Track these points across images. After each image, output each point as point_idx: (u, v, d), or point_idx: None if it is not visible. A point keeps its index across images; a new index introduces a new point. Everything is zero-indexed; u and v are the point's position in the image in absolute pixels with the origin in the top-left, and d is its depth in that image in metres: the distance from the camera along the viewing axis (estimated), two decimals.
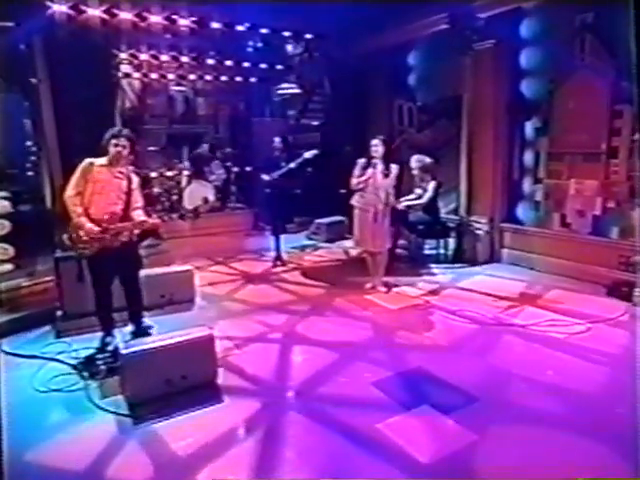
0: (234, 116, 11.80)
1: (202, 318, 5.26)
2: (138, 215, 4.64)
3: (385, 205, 5.93)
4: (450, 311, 5.51)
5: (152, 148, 9.98)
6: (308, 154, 7.99)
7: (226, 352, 4.59)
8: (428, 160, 7.39)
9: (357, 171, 5.98)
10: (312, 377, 4.18)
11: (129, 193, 4.64)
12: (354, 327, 5.18)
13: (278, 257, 7.70)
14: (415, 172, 7.46)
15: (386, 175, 5.87)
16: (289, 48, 11.23)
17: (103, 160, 4.52)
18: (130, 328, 4.91)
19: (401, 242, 7.79)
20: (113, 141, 4.48)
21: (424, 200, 7.26)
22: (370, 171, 5.89)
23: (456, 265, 7.41)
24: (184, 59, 9.45)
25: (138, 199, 4.73)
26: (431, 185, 7.27)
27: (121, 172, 4.59)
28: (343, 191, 6.67)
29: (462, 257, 7.55)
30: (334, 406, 3.73)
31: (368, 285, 6.34)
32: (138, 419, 3.64)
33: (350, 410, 3.68)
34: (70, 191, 4.45)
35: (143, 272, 5.53)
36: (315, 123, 11.35)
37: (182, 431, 3.50)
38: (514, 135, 7.42)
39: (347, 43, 8.99)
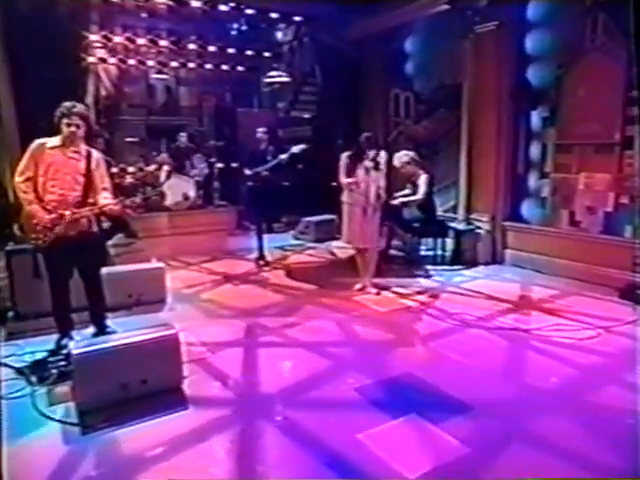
0: (220, 107, 11.67)
1: (173, 319, 4.93)
2: (105, 198, 4.43)
3: (377, 199, 5.83)
4: (446, 314, 5.37)
5: (130, 139, 9.78)
6: (296, 148, 7.95)
7: (196, 355, 4.42)
8: (409, 154, 7.19)
9: (344, 167, 5.88)
10: (289, 383, 4.01)
11: (88, 175, 4.41)
12: (338, 330, 5.04)
13: (261, 257, 7.55)
14: (402, 170, 7.24)
15: (376, 167, 5.77)
16: (279, 35, 11.20)
17: (56, 140, 4.29)
18: (92, 330, 4.70)
19: (395, 243, 7.67)
20: (65, 120, 4.24)
21: (419, 196, 7.09)
22: (361, 173, 5.80)
23: (455, 267, 7.27)
24: (163, 43, 9.33)
25: (104, 180, 4.51)
26: (422, 179, 7.08)
27: (76, 152, 4.35)
28: (335, 184, 6.52)
29: (461, 258, 7.40)
30: (311, 414, 3.54)
31: (357, 286, 6.21)
32: (87, 428, 3.41)
33: (328, 419, 3.49)
34: (19, 176, 4.23)
35: (108, 269, 5.43)
36: (306, 116, 11.24)
37: (135, 441, 3.28)
38: (519, 125, 7.31)
39: (339, 28, 8.93)
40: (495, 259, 7.44)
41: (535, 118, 7.18)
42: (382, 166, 5.80)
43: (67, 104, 4.32)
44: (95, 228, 4.57)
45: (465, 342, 4.71)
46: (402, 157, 7.19)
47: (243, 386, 3.99)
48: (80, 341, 4.05)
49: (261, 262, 7.48)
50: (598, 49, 6.27)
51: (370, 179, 5.79)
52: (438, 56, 8.16)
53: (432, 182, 7.25)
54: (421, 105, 8.87)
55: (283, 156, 7.95)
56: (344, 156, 5.94)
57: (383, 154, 5.89)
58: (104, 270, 5.00)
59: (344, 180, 5.87)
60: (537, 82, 7.08)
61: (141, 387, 3.76)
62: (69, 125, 4.25)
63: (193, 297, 6.11)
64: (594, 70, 6.36)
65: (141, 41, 8.96)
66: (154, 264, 5.97)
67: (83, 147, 4.43)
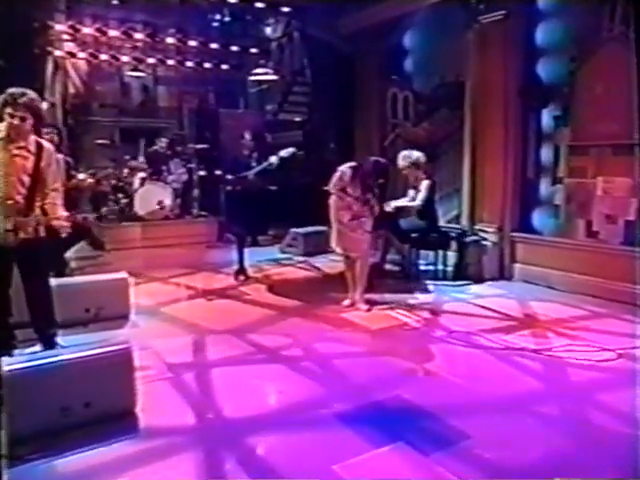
0: (202, 109, 11.58)
1: (135, 337, 4.79)
2: (53, 199, 4.21)
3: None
4: (445, 332, 5.20)
5: (101, 141, 9.63)
6: (285, 152, 7.86)
7: (156, 376, 4.23)
8: (416, 154, 7.09)
9: (339, 183, 5.82)
10: (260, 408, 3.79)
11: (37, 175, 4.18)
12: (320, 349, 4.87)
13: (241, 270, 7.35)
14: (405, 171, 7.16)
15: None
16: (267, 31, 11.14)
17: None
18: (38, 348, 4.44)
19: (391, 257, 7.54)
20: (8, 110, 4.01)
21: (418, 202, 6.96)
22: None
23: (457, 282, 7.09)
24: (138, 36, 9.18)
25: (56, 179, 4.30)
26: (424, 184, 6.97)
27: (21, 147, 4.12)
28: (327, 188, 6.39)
29: (465, 273, 7.22)
30: (281, 443, 3.31)
31: (346, 302, 6.05)
32: (16, 460, 3.12)
33: (301, 448, 3.24)
34: None
35: (61, 280, 5.29)
36: (297, 119, 11.13)
37: (71, 474, 3.00)
38: (528, 126, 7.21)
39: (330, 20, 8.79)
40: (503, 274, 7.27)
41: (546, 117, 7.07)
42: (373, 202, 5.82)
43: (14, 91, 4.08)
44: (43, 233, 4.33)
45: (465, 363, 4.53)
46: (406, 157, 7.09)
47: (207, 411, 3.76)
48: (14, 357, 3.78)
49: (241, 276, 7.29)
50: (616, 40, 6.13)
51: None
52: (440, 51, 8.08)
53: (434, 188, 7.13)
54: (421, 105, 8.79)
55: (273, 158, 7.86)
56: (345, 168, 5.82)
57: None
58: (55, 281, 4.82)
59: (339, 203, 5.82)
60: (548, 77, 6.98)
61: (85, 411, 3.49)
62: (12, 116, 4.02)
63: (160, 313, 5.94)
64: (612, 63, 6.21)
65: (113, 33, 8.80)
66: (116, 275, 5.74)
67: (32, 139, 4.21)
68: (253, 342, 5.01)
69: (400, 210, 6.94)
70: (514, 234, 7.26)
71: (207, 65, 10.83)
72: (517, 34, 6.98)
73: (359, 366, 4.50)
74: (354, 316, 5.73)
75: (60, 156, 6.54)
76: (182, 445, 3.33)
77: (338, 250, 6.05)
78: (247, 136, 8.80)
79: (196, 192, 10.20)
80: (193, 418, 3.67)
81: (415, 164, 7.05)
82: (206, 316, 5.82)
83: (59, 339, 4.58)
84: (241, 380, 4.22)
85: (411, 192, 7.15)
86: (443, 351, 4.80)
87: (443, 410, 3.63)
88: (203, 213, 10.26)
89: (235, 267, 7.43)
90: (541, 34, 6.97)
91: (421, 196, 6.94)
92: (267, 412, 3.75)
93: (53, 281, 4.82)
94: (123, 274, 5.76)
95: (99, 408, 3.51)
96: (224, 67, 10.99)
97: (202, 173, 10.61)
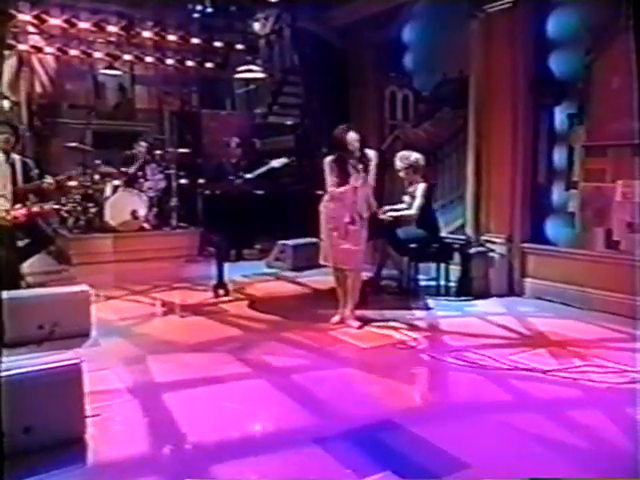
0: (184, 111, 11.57)
1: (94, 356, 4.85)
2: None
3: (365, 210, 5.75)
4: (444, 352, 5.06)
5: (72, 144, 9.52)
6: (276, 162, 7.92)
7: (113, 398, 4.10)
8: (415, 155, 7.03)
9: (331, 176, 5.75)
10: (228, 434, 3.60)
11: None
12: (302, 369, 4.76)
13: (220, 285, 7.22)
14: (402, 174, 7.09)
15: (365, 169, 5.65)
16: (256, 26, 11.12)
17: None
18: None
19: (388, 271, 7.46)
20: None
21: (413, 211, 6.88)
22: (353, 179, 5.66)
23: (461, 299, 6.99)
24: (112, 29, 9.11)
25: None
26: (420, 188, 6.89)
27: None
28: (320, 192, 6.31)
29: (469, 288, 7.09)
30: (251, 472, 3.14)
31: (335, 319, 5.95)
32: None
33: (274, 476, 3.10)
34: None
35: (11, 293, 5.13)
36: (288, 122, 11.10)
37: None
38: (539, 125, 7.14)
39: (322, 12, 8.88)
40: (512, 290, 7.15)
41: (559, 115, 7.01)
42: (372, 167, 5.68)
43: None
44: None
45: (466, 384, 4.41)
46: (404, 158, 7.05)
47: (168, 437, 3.60)
48: None
49: (220, 291, 7.19)
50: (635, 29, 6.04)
51: (358, 194, 5.66)
52: (442, 45, 8.01)
53: (430, 192, 7.07)
54: (422, 104, 8.77)
55: (257, 172, 7.97)
56: (328, 161, 5.76)
57: (372, 153, 5.75)
58: (4, 294, 4.60)
59: (335, 191, 5.71)
60: (561, 72, 6.92)
61: (24, 437, 3.29)
62: None
63: (126, 330, 5.83)
64: (631, 55, 6.10)
65: (84, 25, 8.72)
66: (75, 287, 5.62)
67: None
68: (226, 362, 4.90)
69: (396, 219, 6.84)
70: (524, 245, 7.16)
71: (189, 63, 10.83)
72: (526, 24, 6.93)
73: (345, 387, 4.39)
74: (343, 333, 5.63)
75: (16, 157, 6.43)
76: (137, 477, 3.16)
77: (329, 263, 5.96)
78: (234, 141, 8.70)
79: (175, 201, 10.09)
80: (152, 446, 3.50)
81: (413, 166, 6.98)
82: (177, 334, 5.72)
83: (4, 358, 4.41)
84: (210, 403, 4.08)
85: (406, 198, 7.07)
86: (440, 371, 4.69)
87: (438, 436, 3.47)
88: (182, 224, 10.14)
89: (214, 281, 7.31)
90: (553, 24, 6.93)
91: (417, 203, 6.86)
92: (237, 438, 3.58)
93: (3, 294, 4.68)
94: (83, 286, 5.64)
95: (41, 434, 3.32)
96: (208, 65, 10.99)
97: (183, 181, 10.52)
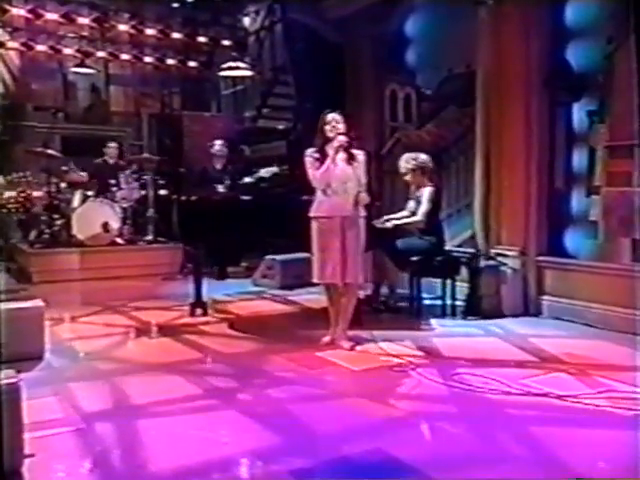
0: (164, 115, 11.58)
1: (44, 380, 4.83)
2: None
3: (355, 205, 5.62)
4: (445, 375, 4.97)
5: (35, 149, 9.48)
6: (265, 172, 8.04)
7: (62, 426, 4.00)
8: (423, 157, 7.06)
9: (311, 164, 5.73)
10: (193, 464, 3.50)
11: None
12: (284, 393, 4.70)
13: (198, 303, 7.16)
14: (408, 177, 7.12)
15: (350, 159, 5.64)
16: (245, 21, 11.15)
17: None
18: None
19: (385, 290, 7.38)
20: None
21: (419, 217, 6.87)
22: (328, 161, 5.62)
23: (470, 319, 6.90)
24: (83, 21, 9.10)
25: None
26: (426, 192, 6.90)
27: None
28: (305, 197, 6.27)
29: (479, 308, 6.98)
30: None
31: (325, 339, 5.89)
32: None
33: None
34: None
35: None
36: (280, 127, 11.13)
37: None
38: (555, 124, 7.11)
39: (316, 3, 8.92)
40: (527, 309, 7.06)
41: (578, 113, 6.97)
42: (360, 157, 5.67)
43: None
44: None
45: (468, 409, 4.33)
46: (411, 160, 7.08)
47: (122, 470, 3.52)
48: None
49: (198, 310, 7.13)
50: None
51: (346, 174, 5.62)
52: (448, 38, 8.01)
53: (439, 197, 7.08)
54: (425, 103, 8.80)
55: (264, 173, 8.07)
56: (309, 152, 5.73)
57: (360, 152, 5.75)
58: None
59: (316, 173, 5.65)
60: (580, 64, 6.88)
61: None
62: None
63: (86, 352, 5.81)
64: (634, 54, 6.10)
65: (51, 16, 8.69)
66: (26, 303, 5.54)
67: None
68: (197, 385, 4.83)
69: (397, 227, 6.84)
70: (540, 259, 7.08)
71: (170, 61, 10.88)
72: (540, 11, 6.91)
73: (331, 413, 4.32)
74: (333, 355, 5.57)
75: None
76: None
77: (324, 280, 5.86)
78: (217, 144, 8.70)
79: (152, 212, 10.05)
80: (97, 477, 3.38)
81: (421, 168, 7.01)
82: (142, 356, 5.70)
83: None
84: (175, 431, 3.99)
85: (411, 204, 7.07)
86: (440, 396, 4.61)
87: (434, 467, 3.39)
88: (161, 238, 10.09)
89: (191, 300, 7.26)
90: (570, 10, 6.91)
91: (422, 208, 6.85)
92: (202, 468, 3.48)
93: None
94: (37, 302, 5.57)
95: None
96: (191, 64, 11.06)
97: (162, 192, 10.45)
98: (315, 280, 5.87)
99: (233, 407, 4.39)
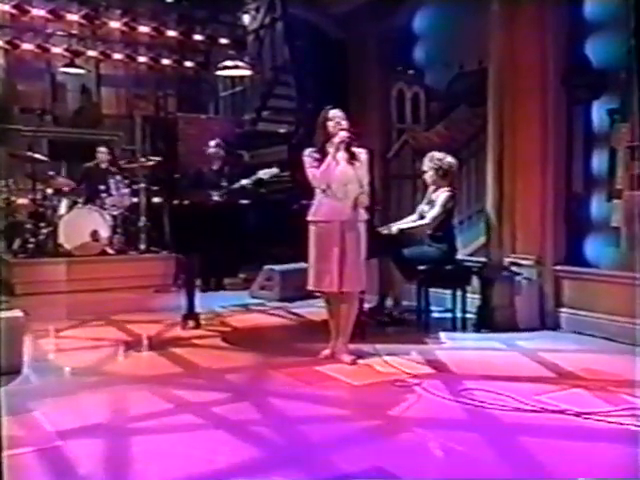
0: (159, 118, 11.65)
1: (22, 396, 4.77)
2: None
3: (354, 208, 5.58)
4: (454, 391, 4.92)
5: (19, 153, 9.52)
6: (263, 173, 8.01)
7: (37, 445, 3.92)
8: (449, 159, 7.09)
9: (311, 164, 5.69)
10: None
11: None
12: (278, 409, 4.68)
13: (190, 315, 7.14)
14: (428, 176, 7.13)
15: (351, 159, 5.60)
16: (245, 18, 11.17)
17: None
18: None
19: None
20: None
21: (427, 221, 6.85)
22: (329, 159, 5.56)
23: (482, 332, 6.89)
24: (72, 18, 9.10)
25: None
26: (442, 197, 6.90)
27: None
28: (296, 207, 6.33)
29: (491, 321, 6.93)
30: None
31: (325, 352, 5.85)
32: None
33: None
34: None
35: None
36: (281, 130, 11.18)
37: None
38: (574, 123, 7.08)
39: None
40: (544, 322, 6.99)
41: (598, 111, 6.93)
42: (362, 156, 5.63)
43: None
44: None
45: (477, 426, 4.27)
46: (435, 160, 7.09)
47: None
48: None
49: (190, 322, 7.11)
50: None
51: (347, 176, 5.57)
52: (459, 33, 8.03)
53: (453, 205, 7.09)
54: (435, 103, 8.80)
55: (263, 175, 8.03)
56: (308, 152, 5.69)
57: (362, 151, 5.71)
58: None
59: (316, 172, 5.59)
60: (600, 59, 6.84)
61: None
62: None
63: (69, 367, 5.81)
64: None
65: (38, 12, 8.69)
66: (4, 314, 5.46)
67: None
68: (186, 402, 4.80)
69: (402, 231, 6.84)
70: (558, 268, 7.02)
71: (165, 61, 10.85)
72: (558, 3, 6.90)
73: (329, 430, 4.28)
74: (333, 369, 5.54)
75: None
76: None
77: (320, 288, 5.85)
78: (216, 146, 8.74)
79: (144, 220, 10.06)
80: None
81: (444, 170, 7.03)
82: (128, 370, 5.69)
83: None
84: (159, 449, 3.94)
85: (423, 207, 7.09)
86: (447, 412, 4.55)
87: None
88: (153, 248, 10.10)
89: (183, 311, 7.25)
90: (590, 2, 6.88)
91: (433, 212, 6.85)
92: None
93: None
94: (16, 313, 5.55)
95: None
96: (187, 64, 11.03)
97: (156, 200, 10.43)
98: (310, 288, 5.87)
99: (223, 423, 4.35)
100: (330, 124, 5.56)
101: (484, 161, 7.53)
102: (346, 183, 5.52)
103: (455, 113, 8.38)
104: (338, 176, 5.53)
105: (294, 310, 8.20)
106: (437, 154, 7.18)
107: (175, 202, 7.27)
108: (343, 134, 5.48)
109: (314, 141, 5.71)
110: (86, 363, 5.91)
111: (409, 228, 6.91)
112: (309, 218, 5.70)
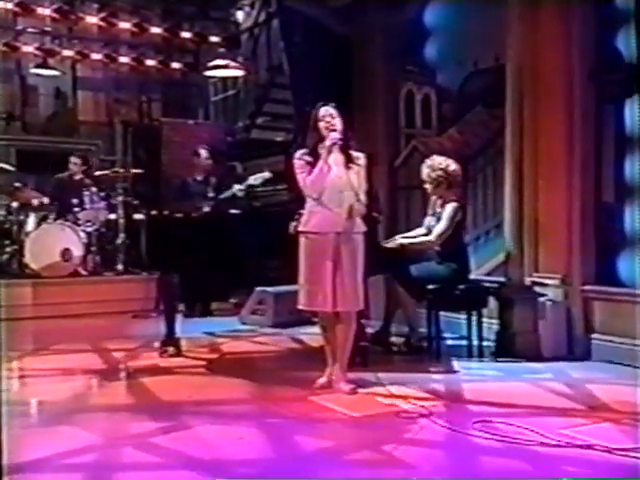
0: (143, 125, 11.67)
1: None
2: None
3: (349, 217, 5.54)
4: (466, 424, 4.84)
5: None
6: (254, 179, 8.09)
7: None
8: (454, 166, 7.03)
9: (302, 168, 5.66)
10: None
11: None
12: (269, 445, 4.61)
13: (169, 342, 7.10)
14: (430, 187, 7.09)
15: (348, 162, 5.59)
16: (239, 15, 11.22)
17: None
18: None
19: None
20: None
21: (433, 237, 6.83)
22: (321, 163, 5.53)
23: (500, 360, 6.83)
24: (44, 12, 9.11)
25: None
26: (448, 209, 6.85)
27: None
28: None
29: (512, 348, 6.86)
30: None
31: (321, 381, 5.80)
32: None
33: None
34: None
35: None
36: (278, 139, 11.23)
37: None
38: (603, 125, 7.05)
39: None
40: (572, 350, 6.91)
41: (631, 111, 6.84)
42: (360, 161, 5.60)
43: None
44: None
45: (494, 465, 4.16)
46: (437, 167, 7.01)
47: None
48: None
49: (169, 349, 7.05)
50: None
51: (342, 182, 5.54)
52: (473, 27, 8.05)
53: (463, 214, 7.05)
54: (447, 104, 8.83)
55: (253, 180, 8.10)
56: (298, 155, 5.65)
57: (360, 155, 5.70)
58: None
59: (307, 180, 5.55)
60: (632, 52, 6.75)
61: None
62: None
63: (21, 400, 5.67)
64: None
65: (5, 5, 8.70)
66: None
67: None
68: (155, 438, 4.70)
69: (403, 246, 6.83)
70: (587, 288, 6.94)
71: (149, 62, 10.91)
72: None
73: (325, 466, 4.19)
74: (330, 399, 5.49)
75: None
76: None
77: (312, 307, 5.81)
78: (202, 154, 8.82)
79: (123, 238, 10.04)
80: None
81: (446, 179, 6.95)
82: (94, 401, 5.77)
83: None
84: None
85: (429, 221, 7.05)
86: (457, 446, 4.49)
87: None
88: (133, 269, 10.07)
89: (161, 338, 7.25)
90: None
91: (439, 228, 6.80)
92: None
93: None
94: None
95: None
96: (174, 65, 11.08)
97: (139, 216, 10.38)
98: (301, 307, 5.83)
99: (197, 461, 4.22)
100: (321, 124, 5.54)
101: (502, 169, 7.53)
102: (341, 190, 5.49)
103: (470, 115, 8.39)
104: (332, 182, 5.50)
105: (288, 335, 8.23)
106: (438, 159, 7.12)
107: (153, 212, 7.18)
108: (334, 135, 5.44)
109: (306, 143, 5.70)
110: (45, 393, 5.89)
111: (412, 244, 6.90)
112: (299, 229, 5.67)
